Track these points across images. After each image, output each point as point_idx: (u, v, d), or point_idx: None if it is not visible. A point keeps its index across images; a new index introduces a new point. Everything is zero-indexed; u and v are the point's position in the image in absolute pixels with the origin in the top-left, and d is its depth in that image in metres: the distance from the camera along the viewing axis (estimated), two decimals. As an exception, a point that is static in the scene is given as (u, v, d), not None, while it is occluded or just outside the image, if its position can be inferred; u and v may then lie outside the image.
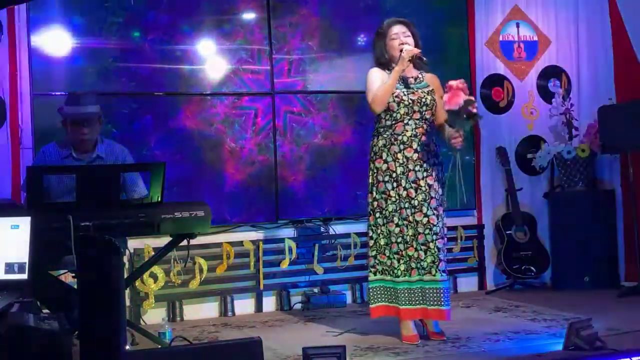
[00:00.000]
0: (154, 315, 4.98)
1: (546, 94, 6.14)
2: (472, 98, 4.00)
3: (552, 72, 6.18)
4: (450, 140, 4.13)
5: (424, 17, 5.59)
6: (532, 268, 5.75)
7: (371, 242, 4.26)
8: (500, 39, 6.07)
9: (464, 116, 3.98)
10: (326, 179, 5.53)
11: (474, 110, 4.00)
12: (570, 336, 3.75)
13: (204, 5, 5.28)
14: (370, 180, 4.24)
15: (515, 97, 6.10)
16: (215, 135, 5.26)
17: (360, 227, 5.57)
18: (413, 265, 4.12)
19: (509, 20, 6.10)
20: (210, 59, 5.30)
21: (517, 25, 6.12)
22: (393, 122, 4.18)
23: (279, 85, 5.42)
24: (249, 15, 5.42)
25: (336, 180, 5.54)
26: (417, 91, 4.21)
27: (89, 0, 5.02)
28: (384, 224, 4.18)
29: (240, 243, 5.27)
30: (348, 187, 5.51)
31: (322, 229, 5.53)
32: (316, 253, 5.44)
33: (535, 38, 6.16)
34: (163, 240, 4.14)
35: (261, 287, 5.31)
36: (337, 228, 5.54)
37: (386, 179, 4.16)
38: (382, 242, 4.19)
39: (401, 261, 4.13)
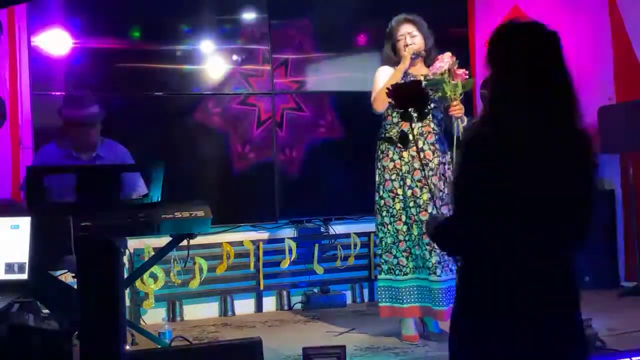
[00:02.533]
0: (154, 315, 4.98)
1: (546, 94, 6.13)
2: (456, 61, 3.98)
3: (552, 72, 6.17)
4: (449, 111, 4.02)
5: (424, 17, 5.58)
6: (532, 268, 5.74)
7: (378, 241, 4.26)
8: (501, 38, 6.06)
9: (453, 80, 3.95)
10: (326, 179, 5.53)
11: (464, 75, 3.99)
12: (570, 336, 3.75)
13: (204, 5, 5.28)
14: (377, 179, 4.22)
15: (515, 97, 6.09)
16: (215, 136, 5.26)
17: (360, 227, 5.58)
18: (420, 263, 4.11)
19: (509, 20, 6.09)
20: (210, 59, 5.30)
21: (517, 25, 6.11)
22: (400, 120, 4.16)
23: (278, 85, 5.42)
24: (249, 15, 5.42)
25: (336, 180, 5.54)
26: (425, 89, 4.18)
27: (89, 0, 5.02)
28: (390, 223, 4.16)
29: (240, 243, 5.27)
30: (348, 187, 5.51)
31: (322, 229, 5.54)
32: (316, 253, 5.44)
33: (535, 38, 6.15)
34: (163, 240, 4.14)
35: (261, 287, 5.32)
36: (337, 228, 5.54)
37: (393, 177, 4.15)
38: (389, 240, 4.17)
39: (409, 259, 4.12)
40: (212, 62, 5.29)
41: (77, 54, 4.97)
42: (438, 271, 4.04)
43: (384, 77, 4.20)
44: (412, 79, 4.21)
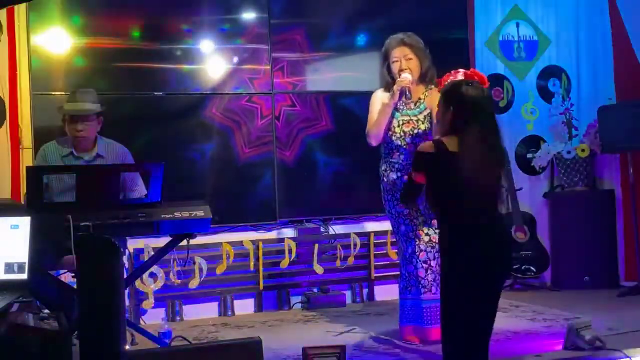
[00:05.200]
0: (154, 315, 4.98)
1: (546, 94, 6.14)
2: None
3: (552, 72, 6.18)
4: None
5: (424, 17, 5.59)
6: (532, 268, 5.75)
7: None
8: (500, 39, 6.07)
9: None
10: (326, 179, 5.53)
11: None
12: (570, 336, 3.75)
13: (204, 5, 5.28)
14: (382, 195, 4.26)
15: (515, 97, 6.10)
16: (215, 137, 5.25)
17: (360, 227, 5.58)
18: (412, 282, 4.10)
19: (509, 20, 6.10)
20: (210, 58, 5.30)
21: (517, 25, 6.12)
22: (390, 151, 4.18)
23: (278, 85, 5.42)
24: (249, 15, 5.42)
25: (337, 180, 5.54)
26: (412, 120, 4.15)
27: (89, 0, 5.03)
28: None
29: (240, 243, 5.27)
30: (348, 187, 5.51)
31: (322, 229, 5.53)
32: (316, 253, 5.43)
33: (535, 38, 6.16)
34: (163, 240, 4.15)
35: (261, 287, 5.32)
36: (337, 228, 5.54)
37: (389, 197, 4.19)
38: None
39: (400, 278, 4.16)
40: (212, 61, 5.29)
41: (77, 54, 4.98)
42: (433, 289, 4.01)
43: (377, 104, 4.20)
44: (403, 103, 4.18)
